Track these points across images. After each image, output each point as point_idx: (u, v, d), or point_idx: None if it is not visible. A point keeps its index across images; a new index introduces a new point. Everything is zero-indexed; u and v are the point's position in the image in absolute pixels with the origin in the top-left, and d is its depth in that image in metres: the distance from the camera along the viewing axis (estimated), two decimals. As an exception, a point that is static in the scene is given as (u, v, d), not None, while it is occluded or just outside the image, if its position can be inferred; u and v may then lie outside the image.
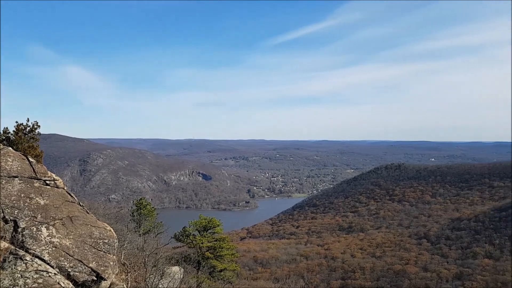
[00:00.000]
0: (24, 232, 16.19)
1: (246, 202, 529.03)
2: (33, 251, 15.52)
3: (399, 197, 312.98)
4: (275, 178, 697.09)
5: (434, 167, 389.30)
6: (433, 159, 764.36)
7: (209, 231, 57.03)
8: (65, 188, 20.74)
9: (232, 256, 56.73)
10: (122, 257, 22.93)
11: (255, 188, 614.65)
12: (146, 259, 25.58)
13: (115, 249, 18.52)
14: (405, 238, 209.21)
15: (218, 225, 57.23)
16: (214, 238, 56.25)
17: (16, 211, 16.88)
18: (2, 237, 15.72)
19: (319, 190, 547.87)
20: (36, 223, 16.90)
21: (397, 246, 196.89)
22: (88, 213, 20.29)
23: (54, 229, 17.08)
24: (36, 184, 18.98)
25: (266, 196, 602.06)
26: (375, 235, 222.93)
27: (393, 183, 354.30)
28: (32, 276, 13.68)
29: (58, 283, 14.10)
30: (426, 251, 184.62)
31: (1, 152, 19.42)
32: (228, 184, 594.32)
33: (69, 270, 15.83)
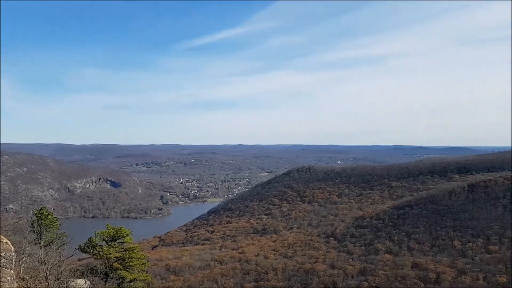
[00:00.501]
0: None
1: (158, 209, 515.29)
2: None
3: (309, 198, 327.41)
4: (190, 184, 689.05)
5: (340, 169, 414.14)
6: (339, 162, 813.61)
7: (118, 241, 54.85)
8: None
9: (143, 265, 55.15)
10: (21, 271, 21.17)
11: (168, 194, 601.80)
12: (48, 273, 23.68)
13: (12, 263, 17.07)
14: (315, 237, 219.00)
15: (128, 234, 55.33)
16: (123, 248, 54.16)
17: None
18: None
19: (235, 194, 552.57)
20: None
21: (307, 245, 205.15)
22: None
23: None
24: None
25: (181, 202, 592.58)
26: (287, 236, 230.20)
27: (304, 185, 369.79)
28: None
29: None
30: (334, 249, 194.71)
31: None
32: (140, 191, 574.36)
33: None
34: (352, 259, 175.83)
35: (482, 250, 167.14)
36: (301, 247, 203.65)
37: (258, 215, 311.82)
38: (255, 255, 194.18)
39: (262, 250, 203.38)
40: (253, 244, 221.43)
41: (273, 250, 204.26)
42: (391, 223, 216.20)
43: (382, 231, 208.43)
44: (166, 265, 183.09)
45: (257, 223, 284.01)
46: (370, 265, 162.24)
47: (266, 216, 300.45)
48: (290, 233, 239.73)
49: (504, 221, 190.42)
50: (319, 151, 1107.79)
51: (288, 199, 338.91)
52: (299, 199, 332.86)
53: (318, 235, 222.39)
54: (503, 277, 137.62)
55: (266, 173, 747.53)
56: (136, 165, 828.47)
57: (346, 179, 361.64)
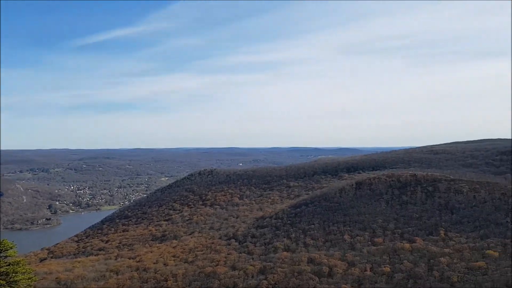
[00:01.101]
0: None
1: (46, 219, 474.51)
2: None
3: (211, 201, 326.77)
4: (82, 191, 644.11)
5: (241, 171, 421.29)
6: (241, 164, 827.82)
7: (0, 255, 50.29)
8: None
9: (29, 280, 50.65)
10: None
11: (57, 203, 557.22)
12: None
13: None
14: (216, 240, 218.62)
15: (11, 247, 50.62)
16: (6, 263, 49.64)
17: None
18: None
19: (132, 201, 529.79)
20: None
21: (208, 249, 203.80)
22: None
23: None
24: None
25: (71, 211, 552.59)
26: (188, 241, 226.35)
27: (206, 188, 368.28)
28: None
29: None
30: (235, 250, 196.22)
31: None
32: (25, 200, 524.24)
33: None
34: (253, 259, 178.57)
35: (369, 242, 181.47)
36: (202, 251, 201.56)
37: (157, 221, 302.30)
38: (154, 263, 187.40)
39: (161, 257, 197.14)
40: (151, 252, 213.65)
41: (173, 256, 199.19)
42: (289, 221, 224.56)
43: (281, 229, 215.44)
44: (57, 278, 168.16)
45: (156, 229, 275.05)
46: (269, 263, 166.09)
47: (166, 222, 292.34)
48: (191, 238, 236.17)
49: (387, 215, 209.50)
50: (221, 154, 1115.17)
51: (190, 203, 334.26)
52: (200, 202, 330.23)
53: (220, 238, 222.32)
54: (387, 267, 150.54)
55: (166, 178, 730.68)
56: (20, 172, 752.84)
57: (247, 181, 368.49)
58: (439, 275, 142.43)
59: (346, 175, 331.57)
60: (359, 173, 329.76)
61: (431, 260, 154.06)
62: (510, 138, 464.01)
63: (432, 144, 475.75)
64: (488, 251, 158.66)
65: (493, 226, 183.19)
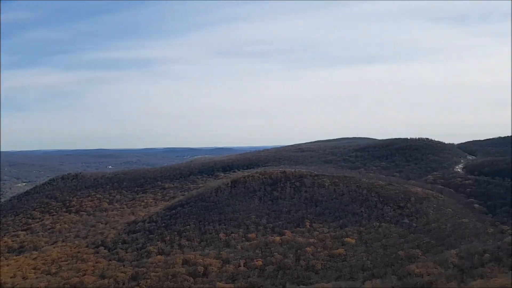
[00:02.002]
0: None
1: None
2: None
3: (77, 207, 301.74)
4: None
5: (111, 174, 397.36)
6: (110, 167, 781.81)
7: None
8: None
9: None
10: None
11: None
12: None
13: None
14: (83, 248, 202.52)
15: None
16: None
17: None
18: None
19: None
20: None
21: (74, 258, 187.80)
22: None
23: None
24: None
25: None
26: (51, 251, 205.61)
27: (70, 193, 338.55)
28: None
29: None
30: (104, 258, 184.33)
31: None
32: None
33: None
34: (124, 265, 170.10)
35: (243, 238, 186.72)
36: (67, 261, 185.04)
37: (13, 231, 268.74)
38: (11, 277, 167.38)
39: (19, 271, 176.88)
40: (8, 265, 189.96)
41: (34, 268, 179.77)
42: (163, 224, 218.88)
43: (155, 233, 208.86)
44: None
45: (13, 240, 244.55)
46: (142, 269, 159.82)
47: (24, 232, 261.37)
48: (54, 247, 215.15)
49: (260, 211, 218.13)
50: (88, 156, 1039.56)
51: (52, 210, 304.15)
52: (64, 209, 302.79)
53: (87, 246, 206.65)
54: (260, 260, 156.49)
55: (24, 184, 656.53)
56: None
57: (118, 184, 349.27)
58: (305, 264, 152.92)
59: (222, 174, 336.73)
60: (234, 171, 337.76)
61: (298, 251, 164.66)
62: (365, 136, 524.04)
63: (299, 142, 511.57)
64: (346, 239, 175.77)
65: (350, 216, 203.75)
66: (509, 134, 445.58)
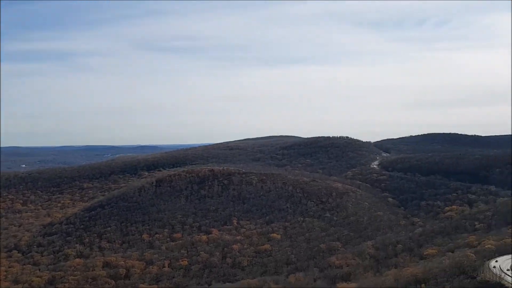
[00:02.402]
0: None
1: None
2: None
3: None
4: None
5: (25, 174, 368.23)
6: (24, 165, 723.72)
7: None
8: None
9: None
10: None
11: None
12: None
13: None
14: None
15: None
16: None
17: None
18: None
19: None
20: None
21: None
22: None
23: None
24: None
25: None
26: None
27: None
28: None
29: None
30: (17, 262, 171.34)
31: None
32: None
33: None
34: (40, 269, 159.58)
35: (168, 239, 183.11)
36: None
37: None
38: None
39: None
40: None
41: None
42: (82, 226, 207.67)
43: (73, 235, 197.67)
44: None
45: None
46: (59, 272, 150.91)
47: None
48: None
49: (186, 210, 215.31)
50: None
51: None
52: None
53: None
54: (185, 260, 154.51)
55: None
56: None
57: (32, 184, 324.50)
58: (232, 261, 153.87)
59: (146, 173, 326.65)
60: (159, 170, 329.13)
61: (225, 249, 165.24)
62: (291, 135, 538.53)
63: (228, 140, 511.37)
64: (272, 234, 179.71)
65: (277, 212, 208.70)
66: (420, 133, 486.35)
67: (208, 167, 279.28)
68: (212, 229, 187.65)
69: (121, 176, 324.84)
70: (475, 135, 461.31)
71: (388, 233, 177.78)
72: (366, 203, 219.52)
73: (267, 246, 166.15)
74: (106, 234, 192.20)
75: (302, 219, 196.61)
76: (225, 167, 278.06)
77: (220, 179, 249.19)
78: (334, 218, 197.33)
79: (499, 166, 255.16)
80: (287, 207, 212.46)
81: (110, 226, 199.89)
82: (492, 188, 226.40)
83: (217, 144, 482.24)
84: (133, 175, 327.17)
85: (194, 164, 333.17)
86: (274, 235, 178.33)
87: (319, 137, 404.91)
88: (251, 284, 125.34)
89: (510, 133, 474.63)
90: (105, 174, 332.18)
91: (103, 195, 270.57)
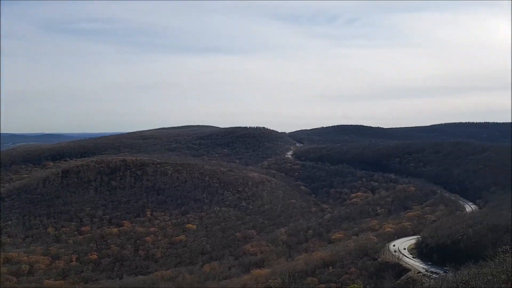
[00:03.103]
0: None
1: None
2: None
3: None
4: None
5: None
6: None
7: None
8: None
9: None
10: None
11: None
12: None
13: None
14: None
15: None
16: None
17: None
18: None
19: None
20: None
21: None
22: None
23: None
24: None
25: None
26: None
27: None
28: None
29: None
30: None
31: None
32: None
33: None
34: None
35: (75, 232, 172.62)
36: None
37: None
38: None
39: None
40: None
41: None
42: None
43: None
44: None
45: None
46: None
47: None
48: None
49: (95, 202, 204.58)
50: None
51: None
52: None
53: None
54: (94, 254, 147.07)
55: None
56: None
57: None
58: (145, 254, 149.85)
59: (52, 163, 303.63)
60: (66, 160, 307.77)
61: (137, 241, 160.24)
62: (209, 125, 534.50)
63: (142, 129, 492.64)
64: (188, 225, 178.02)
65: (192, 202, 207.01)
66: (331, 125, 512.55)
67: (120, 157, 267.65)
68: (124, 221, 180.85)
69: (23, 166, 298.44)
70: (378, 127, 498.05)
71: (300, 220, 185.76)
72: (280, 191, 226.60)
73: (182, 237, 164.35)
74: (6, 229, 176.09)
75: (218, 208, 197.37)
76: (138, 157, 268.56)
77: (133, 169, 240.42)
78: (250, 207, 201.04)
79: (399, 156, 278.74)
80: (204, 197, 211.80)
81: (11, 220, 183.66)
82: (392, 175, 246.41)
83: (129, 133, 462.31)
84: (37, 165, 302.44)
85: (105, 154, 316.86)
86: (190, 225, 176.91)
87: (236, 127, 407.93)
88: (165, 276, 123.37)
89: (408, 126, 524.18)
90: (5, 164, 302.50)
91: (3, 187, 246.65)
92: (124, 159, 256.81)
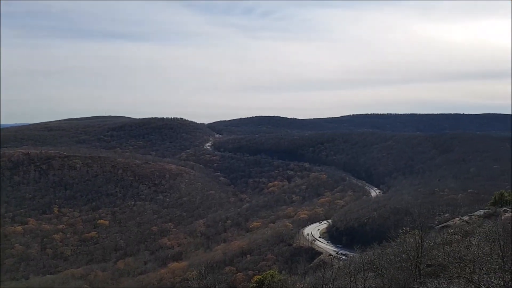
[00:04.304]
0: None
1: None
2: None
3: None
4: None
5: None
6: None
7: None
8: None
9: None
10: None
11: None
12: None
13: None
14: None
15: None
16: None
17: None
18: None
19: None
20: None
21: None
22: None
23: None
24: None
25: None
26: None
27: None
28: None
29: None
30: None
31: None
32: None
33: None
34: None
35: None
36: None
37: None
38: None
39: None
40: None
41: None
42: None
43: None
44: None
45: None
46: None
47: None
48: None
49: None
50: None
51: None
52: None
53: None
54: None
55: None
56: None
57: None
58: (53, 252, 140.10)
59: None
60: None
61: (44, 239, 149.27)
62: (121, 115, 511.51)
63: (47, 120, 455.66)
64: (99, 221, 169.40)
65: (104, 197, 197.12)
66: (249, 116, 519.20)
67: (23, 151, 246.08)
68: (29, 219, 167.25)
69: None
70: (294, 118, 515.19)
71: (219, 211, 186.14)
72: (199, 183, 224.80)
73: (93, 233, 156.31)
74: None
75: (133, 203, 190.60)
76: (43, 150, 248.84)
77: (38, 163, 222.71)
78: (167, 199, 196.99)
79: (312, 145, 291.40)
80: (117, 191, 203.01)
81: None
82: (307, 164, 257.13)
83: (33, 124, 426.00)
84: None
85: (5, 147, 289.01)
86: (102, 221, 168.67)
87: (152, 118, 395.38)
88: (75, 274, 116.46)
89: (321, 117, 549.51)
90: None
91: None
92: (28, 153, 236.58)
